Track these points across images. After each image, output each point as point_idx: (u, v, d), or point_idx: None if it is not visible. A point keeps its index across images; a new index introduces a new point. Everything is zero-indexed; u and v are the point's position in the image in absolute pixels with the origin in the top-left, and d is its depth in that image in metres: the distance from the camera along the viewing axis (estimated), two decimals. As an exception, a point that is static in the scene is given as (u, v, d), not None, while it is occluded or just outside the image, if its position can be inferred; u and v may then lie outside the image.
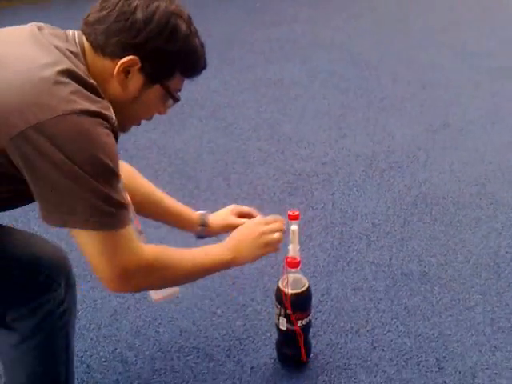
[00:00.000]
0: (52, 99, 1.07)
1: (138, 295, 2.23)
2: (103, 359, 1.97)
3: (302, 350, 1.89)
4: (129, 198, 1.34)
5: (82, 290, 2.26)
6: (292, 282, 1.84)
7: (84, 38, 1.23)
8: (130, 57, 1.20)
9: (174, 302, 2.19)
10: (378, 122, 3.45)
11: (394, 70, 4.14)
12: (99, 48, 1.21)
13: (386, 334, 2.05)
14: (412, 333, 2.05)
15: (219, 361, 1.96)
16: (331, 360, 1.96)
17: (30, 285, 1.37)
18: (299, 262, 1.82)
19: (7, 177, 1.15)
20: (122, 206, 1.20)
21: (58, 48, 1.16)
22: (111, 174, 1.15)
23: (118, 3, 1.20)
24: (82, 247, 1.22)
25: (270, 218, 1.65)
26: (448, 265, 2.36)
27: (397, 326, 2.08)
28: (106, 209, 1.15)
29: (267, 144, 3.27)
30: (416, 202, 2.74)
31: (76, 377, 1.72)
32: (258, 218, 1.71)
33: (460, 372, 1.90)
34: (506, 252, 2.42)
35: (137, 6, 1.19)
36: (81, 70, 1.16)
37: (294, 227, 1.80)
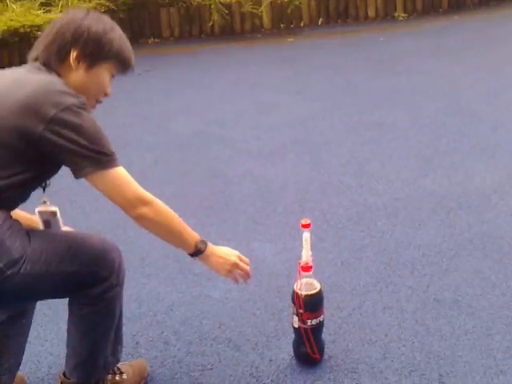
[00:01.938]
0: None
1: (195, 292, 2.60)
2: (150, 339, 2.34)
3: (314, 347, 2.13)
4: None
5: (148, 285, 2.69)
6: (305, 285, 2.10)
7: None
8: (74, 52, 1.74)
9: (222, 301, 2.53)
10: (462, 166, 3.57)
11: (497, 120, 4.20)
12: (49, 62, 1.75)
13: (399, 348, 2.22)
14: (425, 349, 2.20)
15: (244, 351, 2.26)
16: (342, 363, 2.17)
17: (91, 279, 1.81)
18: (311, 267, 2.08)
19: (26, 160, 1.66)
20: (111, 154, 1.69)
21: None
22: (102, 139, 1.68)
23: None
24: (103, 190, 1.69)
25: (244, 266, 1.95)
26: (482, 296, 2.46)
27: (412, 343, 2.24)
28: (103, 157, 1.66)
29: (349, 178, 3.52)
30: (472, 239, 2.85)
31: (125, 347, 2.09)
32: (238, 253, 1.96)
33: (458, 387, 2.03)
34: (547, 290, 2.47)
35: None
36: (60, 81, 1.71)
37: (306, 235, 2.08)
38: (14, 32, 5.90)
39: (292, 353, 2.22)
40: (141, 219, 1.75)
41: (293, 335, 2.23)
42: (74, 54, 1.74)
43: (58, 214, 1.93)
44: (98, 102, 1.85)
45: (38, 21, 6.05)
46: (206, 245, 1.87)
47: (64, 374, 1.95)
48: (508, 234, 2.87)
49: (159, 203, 1.77)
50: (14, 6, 6.30)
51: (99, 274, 1.80)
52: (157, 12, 7.04)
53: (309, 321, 2.10)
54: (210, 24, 7.05)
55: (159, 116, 4.74)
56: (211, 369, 2.19)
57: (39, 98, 1.60)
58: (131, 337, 2.34)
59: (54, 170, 1.77)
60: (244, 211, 3.26)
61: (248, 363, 2.20)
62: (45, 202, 1.93)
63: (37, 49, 1.77)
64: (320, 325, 2.14)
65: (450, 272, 2.63)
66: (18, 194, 1.73)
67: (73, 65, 1.75)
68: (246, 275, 1.96)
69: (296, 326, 2.13)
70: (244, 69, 5.96)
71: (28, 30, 5.92)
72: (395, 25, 7.13)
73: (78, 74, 1.76)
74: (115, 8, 6.82)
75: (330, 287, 2.54)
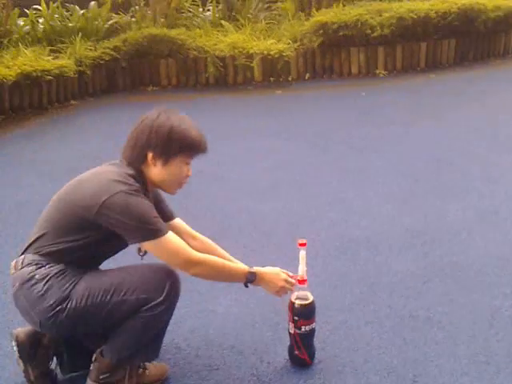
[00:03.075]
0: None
1: (200, 307, 2.96)
2: (163, 345, 2.65)
3: (306, 351, 2.49)
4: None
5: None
6: (300, 296, 2.47)
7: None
8: (150, 154, 2.23)
9: (225, 315, 2.89)
10: (436, 207, 3.99)
11: (468, 169, 4.67)
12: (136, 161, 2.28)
13: (379, 355, 2.59)
14: (401, 356, 2.57)
15: (246, 355, 2.61)
16: (330, 366, 2.53)
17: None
18: (306, 280, 2.46)
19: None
20: (157, 228, 2.16)
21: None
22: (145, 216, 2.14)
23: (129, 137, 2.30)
24: (156, 255, 2.19)
25: (291, 280, 2.45)
26: (451, 314, 2.84)
27: (391, 350, 2.61)
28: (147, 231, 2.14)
29: (335, 215, 3.93)
30: (443, 268, 3.24)
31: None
32: (286, 275, 2.45)
33: (429, 385, 2.39)
34: (506, 310, 2.86)
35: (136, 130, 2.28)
36: (126, 173, 2.21)
37: (303, 252, 2.46)
38: (27, 75, 6.32)
39: (287, 357, 2.57)
40: (196, 276, 2.28)
41: (288, 343, 2.58)
42: (150, 156, 2.24)
43: None
44: (182, 184, 2.37)
45: (48, 66, 6.51)
46: (254, 275, 2.34)
47: (101, 351, 2.29)
48: (474, 265, 3.27)
49: (207, 259, 2.28)
50: (26, 52, 6.75)
51: (147, 299, 2.20)
52: (157, 62, 7.53)
53: (303, 327, 2.46)
54: (206, 75, 7.55)
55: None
56: (217, 369, 2.53)
57: (99, 188, 2.14)
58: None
59: (114, 239, 2.21)
60: (242, 241, 3.64)
61: (249, 365, 2.55)
62: None
63: (125, 151, 2.29)
64: (312, 331, 2.50)
65: (424, 294, 3.02)
66: (86, 255, 2.23)
67: (151, 164, 2.25)
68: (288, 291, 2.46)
69: (291, 331, 2.49)
70: (237, 117, 6.42)
71: (39, 74, 6.35)
72: (376, 81, 7.67)
73: (157, 170, 2.26)
74: (119, 57, 7.30)
75: (319, 305, 2.87)
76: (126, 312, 2.18)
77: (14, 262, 2.25)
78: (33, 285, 2.14)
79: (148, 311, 2.19)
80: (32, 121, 6.54)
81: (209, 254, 2.41)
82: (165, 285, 2.21)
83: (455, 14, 7.82)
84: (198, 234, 2.63)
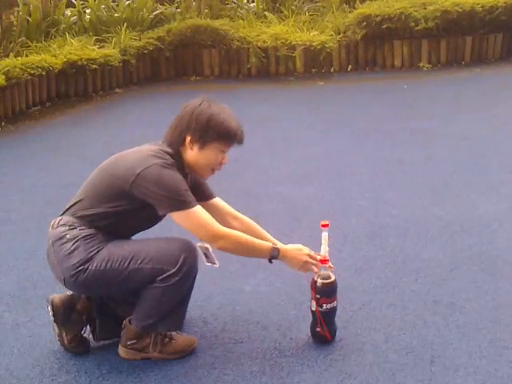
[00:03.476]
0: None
1: (229, 285, 3.06)
2: (192, 319, 2.79)
3: (328, 328, 2.57)
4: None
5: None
6: (322, 275, 2.55)
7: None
8: (188, 137, 2.37)
9: (252, 293, 2.99)
10: (468, 198, 4.01)
11: (503, 162, 4.64)
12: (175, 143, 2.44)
13: (400, 335, 2.65)
14: (421, 337, 2.62)
15: (270, 331, 2.71)
16: (350, 343, 2.61)
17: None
18: (328, 260, 2.54)
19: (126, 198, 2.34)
20: (186, 201, 2.30)
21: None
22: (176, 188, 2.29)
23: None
24: (183, 226, 2.32)
25: (316, 256, 2.53)
26: (475, 300, 2.87)
27: (411, 332, 2.67)
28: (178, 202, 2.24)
29: (367, 203, 3.99)
30: (471, 256, 3.27)
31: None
32: (309, 251, 2.54)
33: (446, 365, 2.44)
34: (532, 299, 2.88)
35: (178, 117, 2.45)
36: (162, 150, 2.39)
37: (325, 233, 2.54)
38: (72, 64, 6.54)
39: (310, 334, 2.66)
40: (221, 249, 2.40)
41: (311, 321, 2.66)
42: (188, 139, 2.40)
43: (210, 249, 2.52)
44: (215, 170, 2.50)
45: (93, 55, 6.71)
46: (278, 250, 2.45)
47: (129, 320, 2.43)
48: (503, 254, 3.29)
49: (232, 234, 2.40)
50: (72, 41, 6.98)
51: (162, 270, 2.34)
52: (200, 52, 7.67)
53: (324, 305, 2.54)
54: (248, 66, 7.65)
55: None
56: (242, 342, 2.64)
57: (136, 161, 2.33)
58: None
59: (145, 210, 2.36)
60: (273, 225, 3.68)
61: (272, 340, 2.64)
62: (201, 240, 2.52)
63: (167, 134, 2.46)
64: (333, 309, 2.58)
65: (449, 281, 3.05)
66: (116, 222, 2.39)
67: (188, 146, 2.41)
68: (314, 268, 2.53)
69: (313, 309, 2.57)
70: (277, 107, 6.50)
71: (85, 63, 6.56)
72: (419, 74, 7.64)
73: (193, 153, 2.42)
74: (162, 47, 7.46)
75: (345, 287, 2.96)
76: (142, 280, 2.33)
77: (52, 221, 2.44)
78: (63, 243, 2.32)
79: (162, 281, 2.33)
80: (77, 108, 6.76)
81: (249, 233, 2.53)
82: (179, 258, 2.34)
83: (502, 8, 7.71)
84: (239, 214, 2.71)
